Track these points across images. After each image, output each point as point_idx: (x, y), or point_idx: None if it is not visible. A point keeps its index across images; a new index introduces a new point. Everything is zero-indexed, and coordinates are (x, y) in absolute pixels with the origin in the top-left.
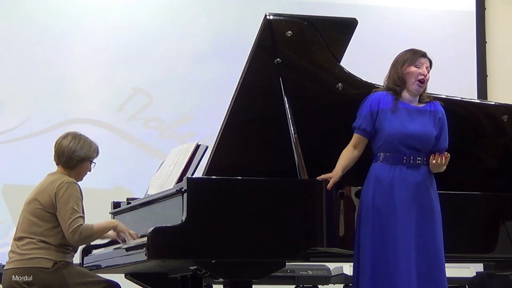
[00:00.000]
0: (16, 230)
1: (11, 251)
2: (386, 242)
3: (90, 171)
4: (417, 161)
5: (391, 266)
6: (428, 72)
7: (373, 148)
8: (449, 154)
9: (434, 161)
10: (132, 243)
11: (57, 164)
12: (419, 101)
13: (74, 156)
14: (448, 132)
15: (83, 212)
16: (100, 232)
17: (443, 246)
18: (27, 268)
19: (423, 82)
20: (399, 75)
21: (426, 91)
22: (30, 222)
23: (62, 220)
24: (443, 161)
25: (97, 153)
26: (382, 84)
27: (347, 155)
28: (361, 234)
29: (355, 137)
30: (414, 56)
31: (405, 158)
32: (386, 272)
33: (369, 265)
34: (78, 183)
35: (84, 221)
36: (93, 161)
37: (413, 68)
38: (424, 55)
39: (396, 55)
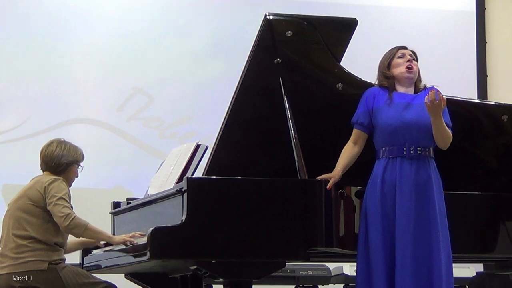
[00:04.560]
0: (2, 233)
1: (1, 255)
2: (392, 236)
3: (77, 176)
4: (418, 151)
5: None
6: (413, 61)
7: (374, 144)
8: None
9: (426, 100)
10: (136, 242)
11: (43, 171)
12: (415, 92)
13: (63, 161)
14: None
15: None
16: (93, 232)
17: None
18: (24, 272)
19: (411, 68)
20: (386, 72)
21: (421, 82)
22: (19, 219)
23: (54, 209)
24: (434, 97)
25: (83, 157)
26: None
27: (347, 153)
28: (369, 231)
29: (354, 132)
30: (393, 50)
31: (405, 149)
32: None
33: (383, 260)
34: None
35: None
36: (80, 164)
37: (397, 60)
38: (403, 47)
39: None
